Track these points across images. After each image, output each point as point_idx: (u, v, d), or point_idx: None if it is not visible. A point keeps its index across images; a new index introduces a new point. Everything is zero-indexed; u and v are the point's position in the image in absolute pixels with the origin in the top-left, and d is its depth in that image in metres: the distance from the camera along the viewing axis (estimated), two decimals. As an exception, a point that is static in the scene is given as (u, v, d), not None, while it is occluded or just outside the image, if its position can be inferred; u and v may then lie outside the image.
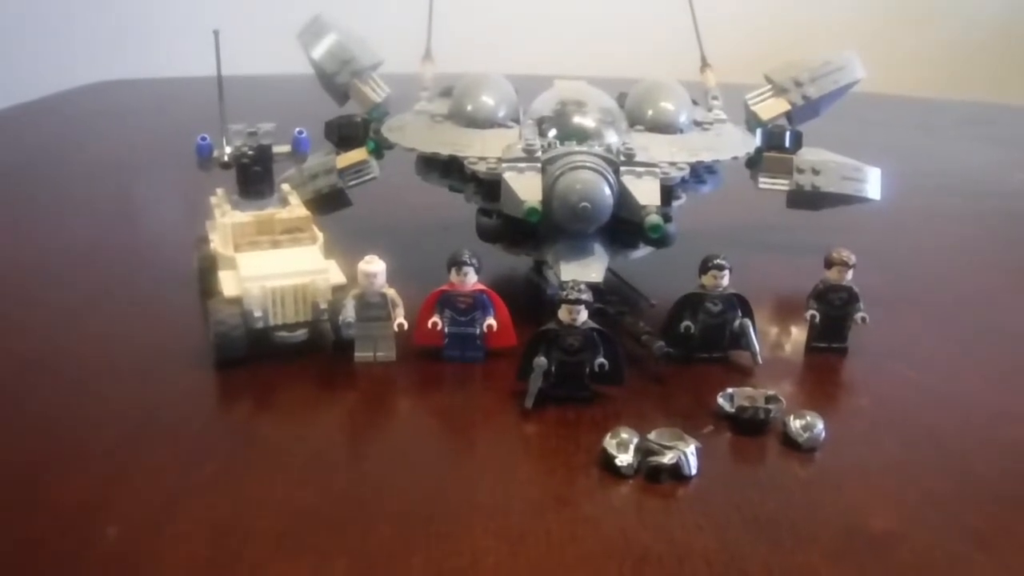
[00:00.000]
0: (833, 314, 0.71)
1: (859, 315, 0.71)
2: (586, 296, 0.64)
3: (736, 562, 0.50)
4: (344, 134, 0.89)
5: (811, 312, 0.71)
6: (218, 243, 0.74)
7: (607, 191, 0.71)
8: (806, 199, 0.88)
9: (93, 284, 0.85)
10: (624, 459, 0.57)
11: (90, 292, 0.83)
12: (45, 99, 1.62)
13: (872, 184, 0.89)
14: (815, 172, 0.87)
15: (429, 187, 0.83)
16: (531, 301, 0.77)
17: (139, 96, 1.71)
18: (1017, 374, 0.72)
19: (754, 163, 0.87)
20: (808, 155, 0.87)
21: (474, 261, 0.69)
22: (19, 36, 1.93)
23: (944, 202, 1.16)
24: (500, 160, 0.74)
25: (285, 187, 0.81)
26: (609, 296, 0.74)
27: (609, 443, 0.58)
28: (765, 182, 0.88)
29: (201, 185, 0.80)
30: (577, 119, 0.77)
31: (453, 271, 0.69)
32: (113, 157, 1.29)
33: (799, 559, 0.50)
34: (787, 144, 0.87)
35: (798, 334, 0.75)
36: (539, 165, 0.73)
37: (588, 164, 0.71)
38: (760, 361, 0.70)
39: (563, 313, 0.64)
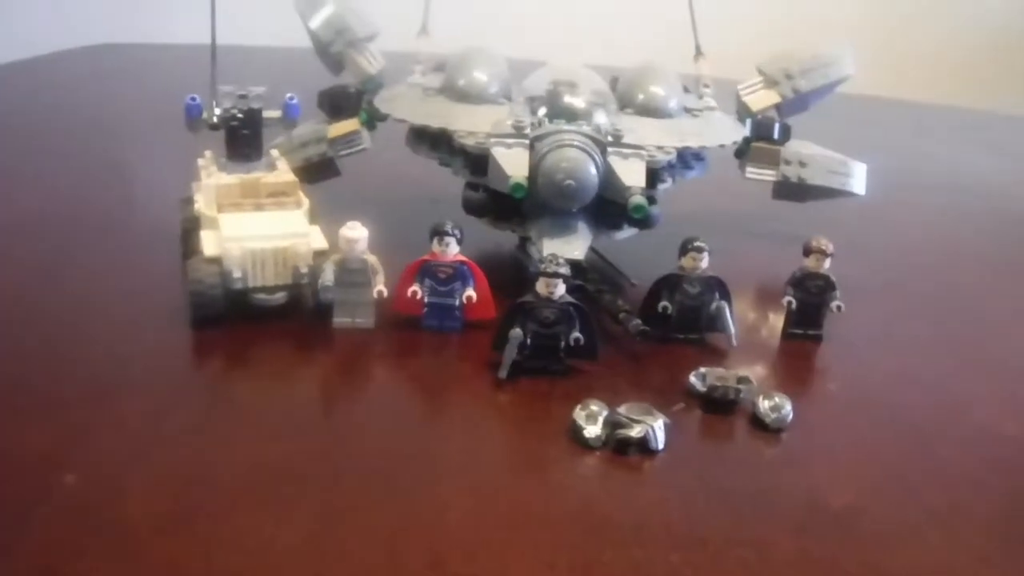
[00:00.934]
0: (810, 301, 0.72)
1: (835, 303, 0.71)
2: (564, 270, 0.64)
3: (695, 532, 0.51)
4: (337, 104, 0.89)
5: (788, 299, 0.72)
6: (202, 204, 0.75)
7: (593, 170, 0.71)
8: (792, 191, 0.89)
9: (75, 242, 0.85)
10: (592, 431, 0.57)
11: (71, 250, 0.83)
12: (38, 59, 1.61)
13: (857, 179, 0.90)
14: (802, 164, 0.88)
15: (419, 161, 0.84)
16: (515, 277, 0.77)
17: (133, 60, 1.70)
18: (991, 362, 0.73)
19: (742, 153, 0.88)
20: (796, 147, 0.88)
21: (456, 232, 0.69)
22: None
23: (930, 200, 1.17)
24: (489, 135, 0.74)
25: (274, 152, 0.81)
26: (590, 274, 0.74)
27: (579, 415, 0.58)
28: (752, 172, 0.88)
29: (190, 148, 0.80)
30: (568, 99, 0.77)
31: (435, 241, 0.69)
32: (103, 119, 1.28)
33: (759, 531, 0.51)
34: (775, 136, 0.88)
35: (775, 320, 0.76)
36: (527, 142, 0.73)
37: (576, 143, 0.72)
38: (735, 343, 0.70)
39: (540, 286, 0.64)
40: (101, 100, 1.41)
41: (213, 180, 0.74)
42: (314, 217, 0.75)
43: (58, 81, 1.53)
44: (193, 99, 0.76)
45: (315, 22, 0.87)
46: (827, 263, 0.71)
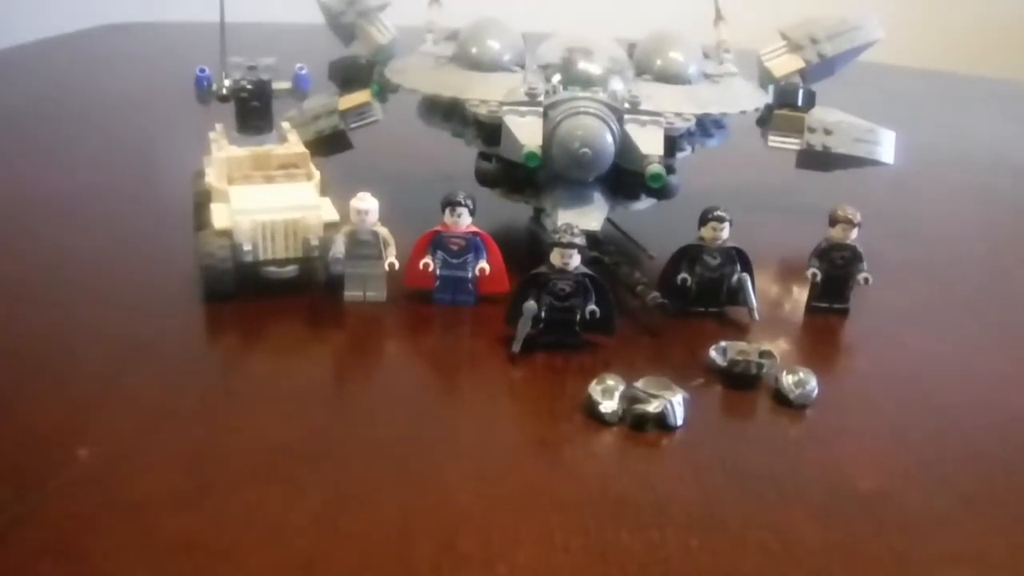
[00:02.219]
0: (835, 273, 0.70)
1: (862, 275, 0.69)
2: (579, 240, 0.62)
3: (716, 514, 0.49)
4: (348, 76, 0.87)
5: (812, 270, 0.70)
6: (212, 177, 0.73)
7: (609, 138, 0.69)
8: (816, 159, 0.86)
9: (90, 217, 0.85)
10: (609, 406, 0.56)
11: (86, 225, 0.83)
12: (53, 39, 1.61)
13: (886, 147, 0.86)
14: (827, 132, 0.85)
15: (432, 135, 0.82)
16: (529, 250, 0.75)
17: (147, 39, 1.69)
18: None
19: (764, 121, 0.85)
20: (821, 114, 0.85)
21: (468, 202, 0.68)
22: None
23: (960, 173, 1.13)
24: (501, 103, 0.72)
25: (285, 125, 0.80)
26: (607, 246, 0.72)
27: (594, 389, 0.57)
28: (775, 140, 0.85)
29: (203, 123, 0.79)
30: (583, 65, 0.75)
31: (447, 212, 0.68)
32: (118, 97, 1.28)
33: (781, 515, 0.49)
34: (799, 102, 0.84)
35: (799, 294, 0.73)
36: (541, 110, 0.71)
37: (591, 110, 0.70)
38: (757, 317, 0.68)
39: (555, 257, 0.62)
40: (115, 79, 1.40)
41: (224, 153, 0.73)
42: (325, 189, 0.73)
43: (74, 60, 1.52)
44: (202, 71, 0.75)
45: (326, -8, 0.86)
46: (854, 233, 0.69)
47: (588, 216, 0.70)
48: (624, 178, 0.73)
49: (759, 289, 0.69)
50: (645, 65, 0.79)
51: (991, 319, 0.74)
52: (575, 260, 0.62)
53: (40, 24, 1.60)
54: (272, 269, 0.69)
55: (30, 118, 1.17)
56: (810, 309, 0.71)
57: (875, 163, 0.87)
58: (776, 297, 0.75)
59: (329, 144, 0.87)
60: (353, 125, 0.87)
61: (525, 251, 0.73)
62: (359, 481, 0.50)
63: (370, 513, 0.48)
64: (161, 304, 0.68)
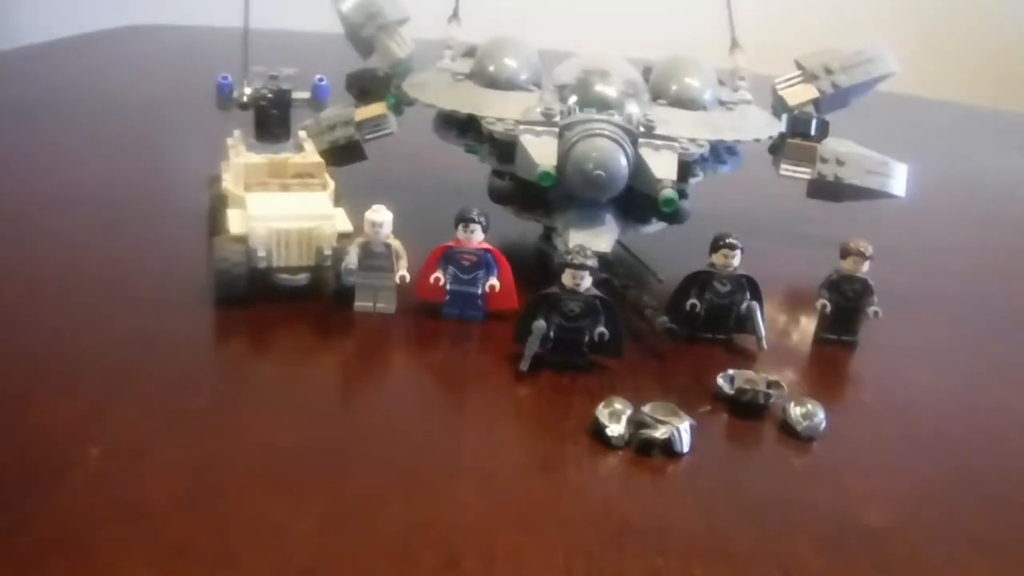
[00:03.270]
0: (845, 305, 0.70)
1: (872, 308, 0.69)
2: (591, 262, 0.62)
3: (719, 543, 0.49)
4: (365, 87, 0.88)
5: (822, 301, 0.70)
6: (229, 182, 0.74)
7: (623, 161, 0.69)
8: (828, 190, 0.86)
9: (105, 219, 0.85)
10: (615, 429, 0.56)
11: (102, 226, 0.83)
12: (75, 38, 1.62)
13: (898, 180, 0.87)
14: (839, 163, 0.85)
15: (446, 150, 0.82)
16: (539, 269, 0.75)
17: (168, 41, 1.71)
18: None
19: (777, 149, 0.85)
20: (833, 145, 0.85)
21: (482, 219, 0.68)
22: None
23: (971, 206, 1.13)
24: (517, 122, 0.72)
25: (302, 134, 0.80)
26: (616, 268, 0.72)
27: (601, 412, 0.57)
28: (787, 169, 0.86)
29: (221, 128, 0.79)
30: (599, 87, 0.76)
31: (460, 227, 0.68)
32: (138, 98, 1.28)
33: (785, 546, 0.49)
34: (812, 132, 0.85)
35: (807, 324, 0.73)
36: (556, 130, 0.71)
37: (606, 132, 0.70)
38: (765, 346, 0.68)
39: (566, 277, 0.62)
40: (135, 80, 1.41)
41: (241, 159, 0.74)
42: (339, 200, 0.74)
43: (94, 61, 1.53)
44: (225, 78, 0.76)
45: (346, 5, 0.86)
46: (866, 266, 0.69)
47: (599, 238, 0.70)
48: (636, 201, 0.73)
49: (767, 317, 0.70)
50: (661, 89, 0.79)
51: (1001, 354, 0.74)
52: (586, 281, 0.62)
53: (66, 23, 1.61)
54: (284, 276, 0.69)
55: (50, 115, 1.18)
56: (818, 340, 0.71)
57: (887, 195, 0.87)
58: (784, 326, 0.75)
59: (343, 154, 0.87)
60: (368, 136, 0.87)
61: (534, 268, 0.73)
62: (363, 493, 0.50)
63: (373, 525, 0.48)
64: (173, 306, 0.68)
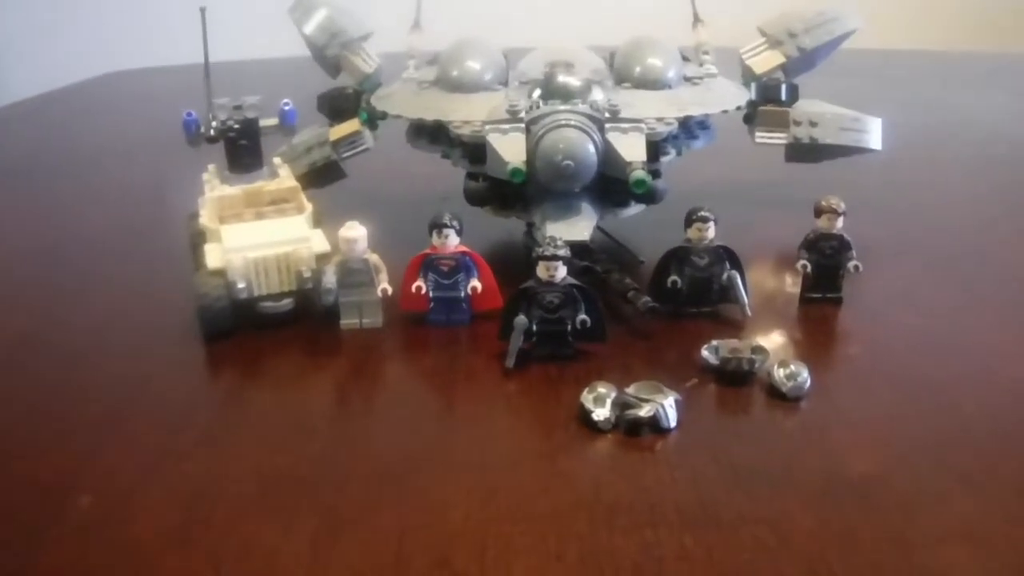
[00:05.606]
0: (825, 263, 0.70)
1: (852, 263, 0.69)
2: (563, 252, 0.63)
3: (709, 511, 0.49)
4: (336, 106, 0.89)
5: (802, 262, 0.70)
6: (205, 217, 0.75)
7: (591, 148, 0.70)
8: (805, 152, 0.86)
9: (90, 265, 0.86)
10: (601, 413, 0.56)
11: (87, 273, 0.85)
12: (54, 92, 1.64)
13: (873, 134, 0.86)
14: (812, 124, 0.85)
15: (426, 157, 0.83)
16: (529, 266, 0.76)
17: (144, 85, 1.72)
18: (1018, 320, 0.70)
19: (750, 118, 0.85)
20: (805, 107, 0.85)
21: (455, 223, 0.68)
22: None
23: (952, 152, 1.12)
24: (484, 123, 0.73)
25: (276, 160, 0.81)
26: (598, 255, 0.73)
27: (586, 398, 0.57)
28: (762, 136, 0.86)
29: (197, 164, 0.80)
30: (562, 78, 0.76)
31: (434, 234, 0.69)
32: (115, 144, 1.30)
33: (775, 506, 0.49)
34: (783, 97, 0.85)
35: (792, 287, 0.73)
36: (523, 126, 0.72)
37: (571, 122, 0.70)
38: (749, 313, 0.68)
39: (541, 270, 0.63)
40: (114, 126, 1.43)
41: (216, 192, 0.75)
42: (320, 221, 0.75)
43: (74, 112, 1.55)
44: (189, 114, 0.77)
45: (309, 27, 0.87)
46: (840, 222, 0.69)
47: (576, 227, 0.71)
48: (611, 186, 0.73)
49: (754, 285, 0.70)
50: (625, 73, 0.79)
51: (983, 292, 0.74)
52: (561, 272, 0.63)
53: (46, 78, 1.64)
54: (268, 304, 0.70)
55: (28, 173, 1.19)
56: (804, 300, 0.72)
57: (864, 150, 0.87)
58: (771, 291, 0.75)
59: (323, 175, 0.89)
60: (345, 154, 0.88)
61: (524, 266, 0.74)
62: (355, 503, 0.51)
63: (365, 534, 0.48)
64: (161, 345, 0.69)
